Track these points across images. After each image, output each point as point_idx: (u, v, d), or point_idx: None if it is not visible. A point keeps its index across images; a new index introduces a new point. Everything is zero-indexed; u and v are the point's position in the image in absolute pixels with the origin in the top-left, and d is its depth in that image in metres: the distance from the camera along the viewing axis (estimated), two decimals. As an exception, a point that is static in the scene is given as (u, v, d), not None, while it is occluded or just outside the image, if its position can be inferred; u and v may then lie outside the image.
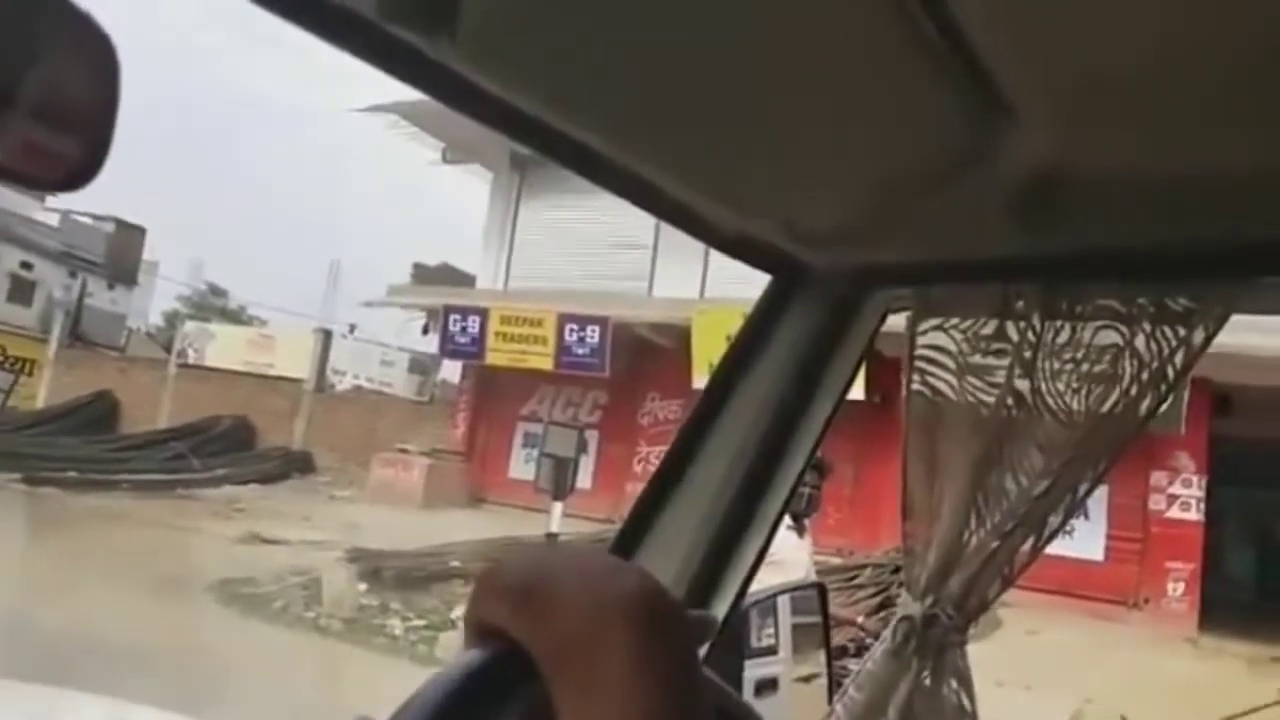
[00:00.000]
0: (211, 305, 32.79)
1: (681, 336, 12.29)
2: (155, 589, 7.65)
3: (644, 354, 13.95)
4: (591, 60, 0.75)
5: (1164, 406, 1.00)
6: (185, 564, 9.18)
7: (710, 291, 13.06)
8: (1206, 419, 11.38)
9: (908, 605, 1.09)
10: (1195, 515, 11.71)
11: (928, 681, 1.07)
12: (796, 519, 3.97)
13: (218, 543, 10.43)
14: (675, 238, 1.17)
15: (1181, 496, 11.76)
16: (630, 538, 1.26)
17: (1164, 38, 0.77)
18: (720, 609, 1.26)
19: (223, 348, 20.51)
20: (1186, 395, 10.26)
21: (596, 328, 14.27)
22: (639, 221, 12.43)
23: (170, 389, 19.41)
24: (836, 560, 10.50)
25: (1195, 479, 11.70)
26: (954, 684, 1.08)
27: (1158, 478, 11.85)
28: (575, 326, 14.41)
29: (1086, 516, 12.06)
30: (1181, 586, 11.54)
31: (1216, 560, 12.83)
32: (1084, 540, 12.08)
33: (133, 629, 5.99)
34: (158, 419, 18.70)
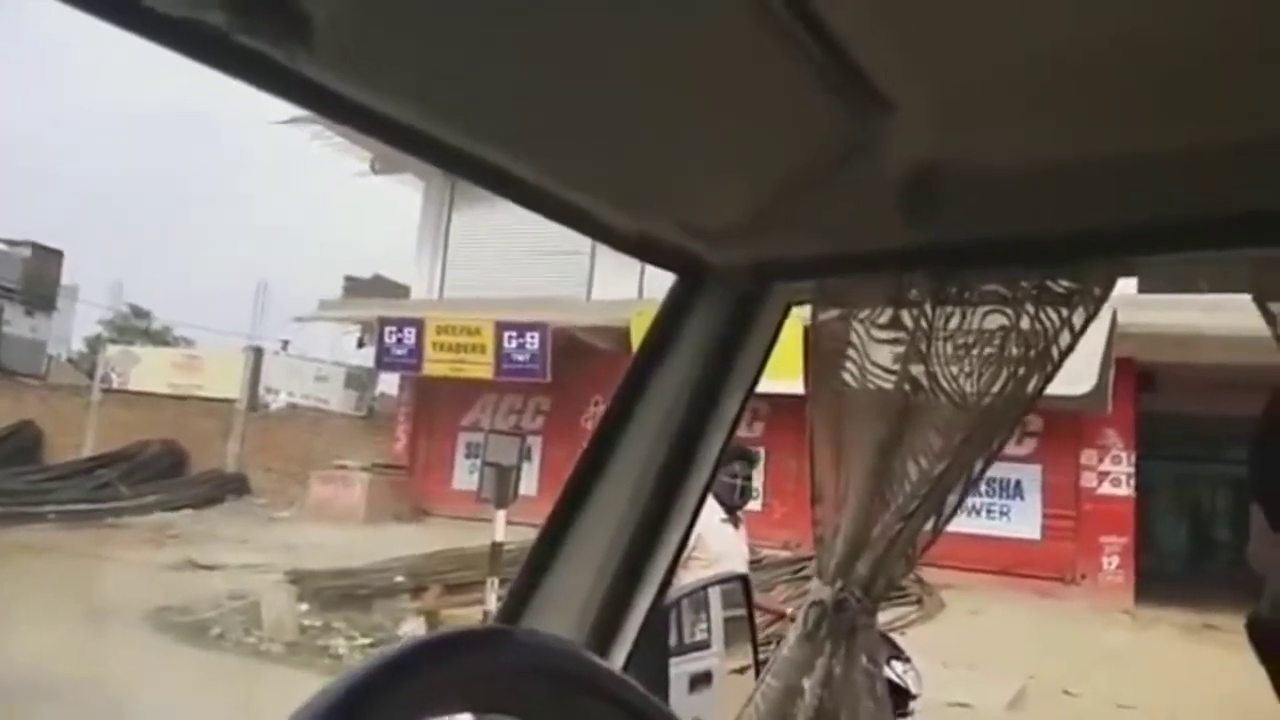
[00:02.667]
0: (135, 328, 31.72)
1: (621, 338, 12.29)
2: (86, 621, 7.42)
3: (585, 358, 13.94)
4: (460, 64, 0.76)
5: (1049, 385, 1.04)
6: (117, 594, 8.89)
7: (649, 291, 13.11)
8: (1132, 397, 11.78)
9: (818, 590, 1.12)
10: (1126, 490, 12.08)
11: (841, 663, 1.09)
12: (730, 511, 4.01)
13: (151, 571, 10.12)
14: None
15: (1112, 473, 12.12)
16: (552, 539, 1.27)
17: (1034, 31, 0.80)
18: (642, 606, 1.27)
19: (148, 371, 19.89)
20: (1112, 375, 10.64)
21: (535, 334, 14.22)
22: (573, 226, 12.37)
23: (95, 416, 18.79)
24: (785, 554, 10.63)
25: (1124, 455, 12.07)
26: (865, 663, 1.11)
27: (1088, 455, 12.21)
28: (514, 333, 14.34)
29: (1022, 497, 12.41)
30: (1116, 560, 11.89)
31: (1149, 533, 13.27)
32: (1020, 520, 12.42)
33: (62, 664, 5.79)
34: (83, 447, 18.10)
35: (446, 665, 0.69)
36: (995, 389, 1.05)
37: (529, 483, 11.24)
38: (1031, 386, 1.04)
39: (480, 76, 0.79)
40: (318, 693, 0.61)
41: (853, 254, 1.16)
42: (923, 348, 1.09)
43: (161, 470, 17.39)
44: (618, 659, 1.23)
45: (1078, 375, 9.79)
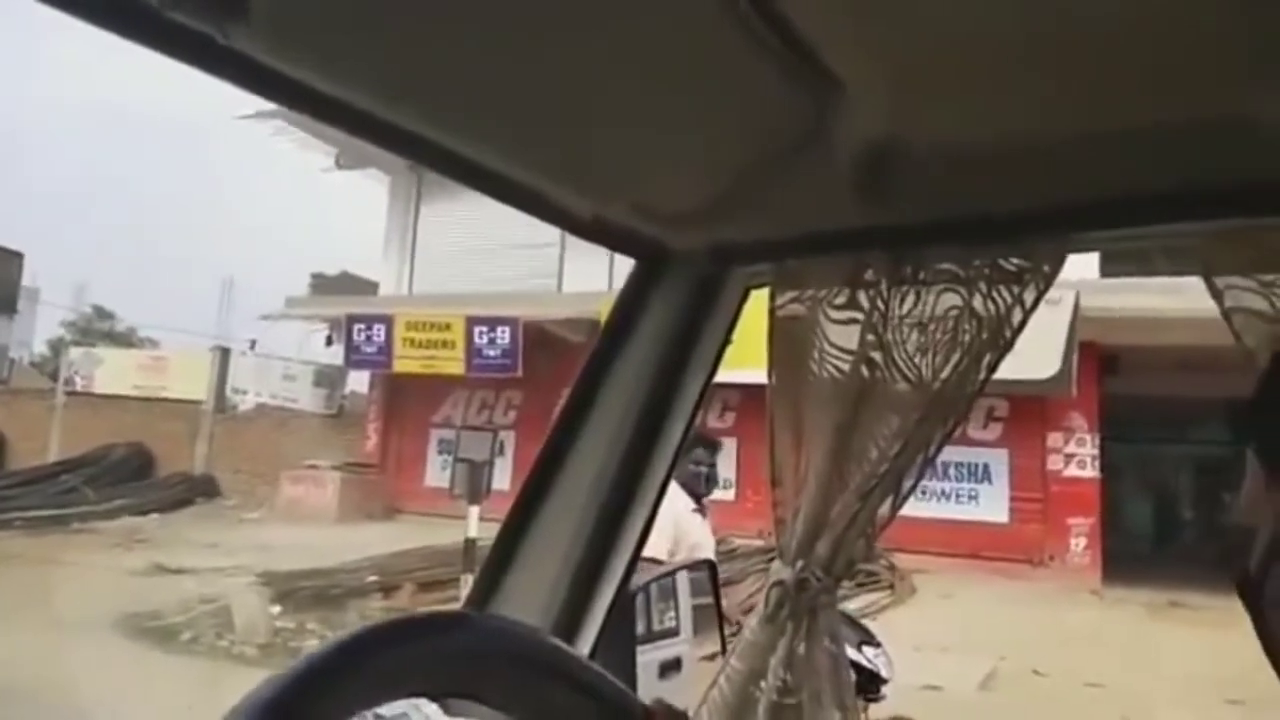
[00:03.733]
0: (98, 329, 31.15)
1: (592, 330, 12.25)
2: (54, 628, 7.29)
3: (557, 351, 13.89)
4: (409, 45, 0.75)
5: (1002, 363, 1.05)
6: (85, 600, 8.73)
7: (618, 283, 13.03)
8: (1096, 380, 11.95)
9: (779, 571, 1.12)
10: (1091, 472, 12.25)
11: (803, 643, 1.10)
12: (698, 500, 4.01)
13: (119, 576, 9.97)
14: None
15: (1077, 455, 12.28)
16: (517, 527, 1.27)
17: (983, 10, 0.81)
18: (607, 592, 1.27)
19: (112, 373, 19.56)
20: (1076, 358, 10.79)
21: (506, 328, 14.16)
22: (542, 219, 12.33)
23: (59, 419, 18.46)
24: (759, 542, 10.68)
25: (1089, 437, 12.24)
26: (828, 642, 1.11)
27: (1054, 438, 12.36)
28: (484, 328, 14.27)
29: (990, 481, 12.57)
30: (1083, 542, 12.06)
31: (1116, 514, 13.47)
32: (989, 504, 12.57)
33: (29, 671, 5.69)
34: (48, 452, 17.77)
35: (408, 648, 0.69)
36: (950, 367, 1.06)
37: (502, 478, 11.20)
38: (985, 364, 1.05)
39: (430, 58, 0.78)
40: (280, 671, 0.61)
41: (810, 236, 1.16)
42: (879, 328, 1.10)
43: (128, 474, 17.13)
44: (584, 646, 1.23)
45: (1042, 359, 9.92)
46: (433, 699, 0.87)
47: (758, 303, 1.27)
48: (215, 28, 0.62)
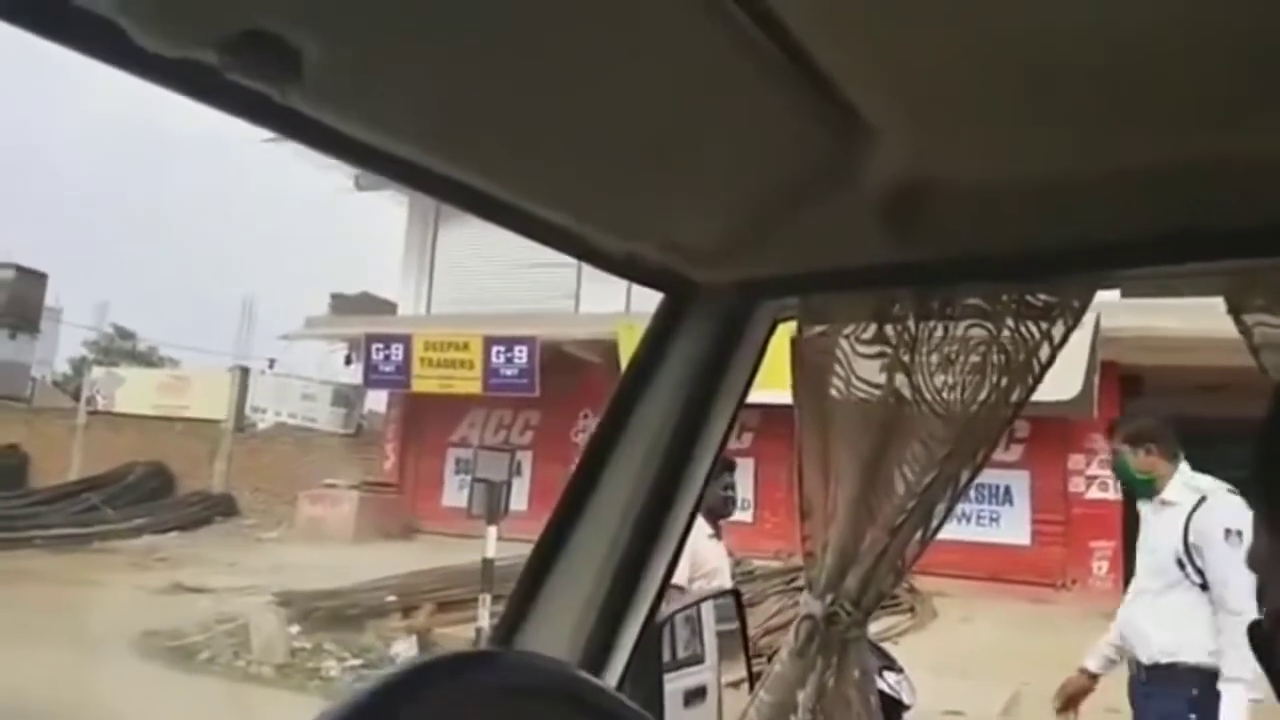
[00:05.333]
0: (120, 349, 31.44)
1: (610, 351, 12.29)
2: (72, 647, 7.33)
3: (574, 371, 13.93)
4: (448, 96, 0.77)
5: (1031, 396, 1.06)
6: (105, 619, 8.79)
7: (636, 304, 13.11)
8: (1118, 401, 11.82)
9: (809, 605, 1.13)
10: (1113, 495, 12.06)
11: (833, 676, 1.10)
12: (716, 525, 4.00)
13: (138, 595, 10.03)
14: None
15: (1099, 477, 12.11)
16: (545, 558, 1.28)
17: (1011, 49, 0.82)
18: (636, 623, 1.27)
19: (133, 392, 19.72)
20: (1097, 379, 10.70)
21: (524, 348, 14.19)
22: (559, 240, 12.37)
23: (80, 439, 18.62)
24: (776, 564, 10.62)
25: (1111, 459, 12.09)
26: (857, 676, 1.11)
27: (1075, 460, 12.23)
28: (502, 348, 14.30)
29: (1011, 503, 12.44)
30: (1106, 565, 11.89)
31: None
32: (1010, 527, 12.44)
33: (46, 691, 5.72)
34: (69, 471, 17.92)
35: (440, 689, 0.70)
36: (978, 401, 1.07)
37: (519, 498, 11.22)
38: (1014, 398, 1.06)
39: (468, 106, 0.80)
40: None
41: (836, 271, 1.17)
42: (906, 361, 1.11)
43: (148, 492, 17.22)
44: (612, 677, 1.24)
45: (1063, 380, 9.85)
46: None
47: (781, 328, 1.28)
48: (273, 88, 0.65)
